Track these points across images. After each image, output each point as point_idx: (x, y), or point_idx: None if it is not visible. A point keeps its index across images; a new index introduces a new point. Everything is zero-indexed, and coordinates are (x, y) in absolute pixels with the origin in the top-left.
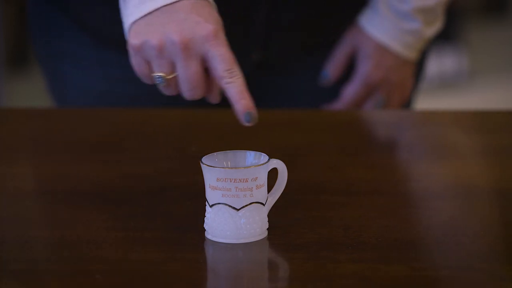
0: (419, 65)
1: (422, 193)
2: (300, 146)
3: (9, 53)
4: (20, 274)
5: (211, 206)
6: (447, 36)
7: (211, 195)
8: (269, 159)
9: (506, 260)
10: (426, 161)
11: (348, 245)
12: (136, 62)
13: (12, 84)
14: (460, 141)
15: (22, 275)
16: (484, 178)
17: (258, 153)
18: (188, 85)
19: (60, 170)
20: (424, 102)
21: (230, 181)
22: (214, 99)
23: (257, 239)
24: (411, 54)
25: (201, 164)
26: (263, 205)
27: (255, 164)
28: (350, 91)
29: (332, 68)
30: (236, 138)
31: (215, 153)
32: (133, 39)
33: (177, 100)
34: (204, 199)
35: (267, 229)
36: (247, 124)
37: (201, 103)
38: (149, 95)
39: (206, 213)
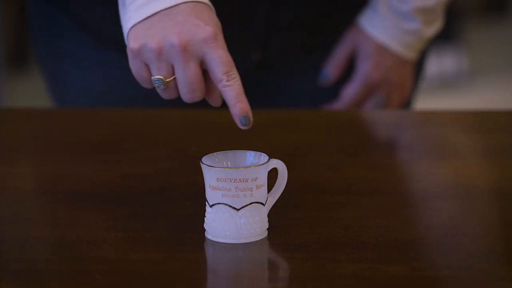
0: (419, 65)
1: (422, 193)
2: (300, 146)
3: (9, 53)
4: (20, 274)
5: (211, 206)
6: (447, 36)
7: (211, 195)
8: (269, 159)
9: (506, 260)
10: (426, 161)
11: (348, 245)
12: (135, 66)
13: (12, 84)
14: (460, 141)
15: (22, 275)
16: (484, 178)
17: (258, 153)
18: (187, 87)
19: (60, 170)
20: (424, 102)
21: (230, 181)
22: (215, 102)
23: (257, 239)
24: (411, 54)
25: (201, 164)
26: (263, 205)
27: (255, 164)
28: (350, 91)
29: (331, 68)
30: (236, 138)
31: (215, 153)
32: (132, 42)
33: (177, 101)
34: (204, 199)
35: (267, 229)
36: (243, 128)
37: (201, 103)
38: (149, 95)
39: (206, 213)
